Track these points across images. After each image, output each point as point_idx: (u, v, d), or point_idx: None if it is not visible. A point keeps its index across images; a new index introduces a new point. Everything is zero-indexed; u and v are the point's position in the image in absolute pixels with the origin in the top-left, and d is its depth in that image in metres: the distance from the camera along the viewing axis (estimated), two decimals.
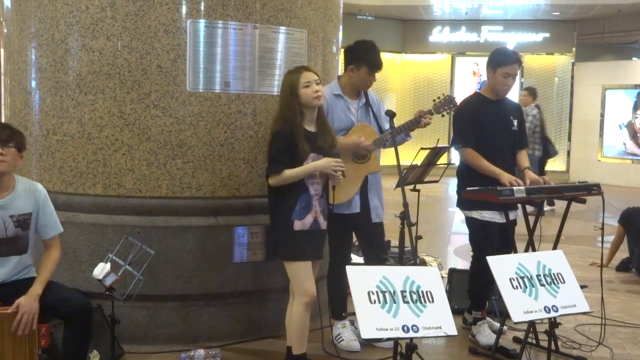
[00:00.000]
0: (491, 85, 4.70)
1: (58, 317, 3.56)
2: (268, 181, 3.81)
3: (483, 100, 4.68)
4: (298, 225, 3.77)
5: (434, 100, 4.57)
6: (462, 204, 4.69)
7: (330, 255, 4.52)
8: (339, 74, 5.41)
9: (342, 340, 4.51)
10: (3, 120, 4.99)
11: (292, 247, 3.79)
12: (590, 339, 4.79)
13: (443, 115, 4.62)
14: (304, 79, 3.78)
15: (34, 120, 4.60)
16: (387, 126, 4.44)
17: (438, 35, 18.39)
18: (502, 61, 4.61)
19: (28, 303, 3.34)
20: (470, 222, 4.70)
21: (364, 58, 4.41)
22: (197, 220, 4.46)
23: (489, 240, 4.58)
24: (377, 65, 4.42)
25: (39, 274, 3.54)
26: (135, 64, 4.33)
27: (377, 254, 4.61)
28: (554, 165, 17.52)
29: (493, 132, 4.60)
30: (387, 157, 4.74)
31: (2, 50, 4.96)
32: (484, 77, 17.99)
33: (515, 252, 4.63)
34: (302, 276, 3.79)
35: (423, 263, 6.51)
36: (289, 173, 3.73)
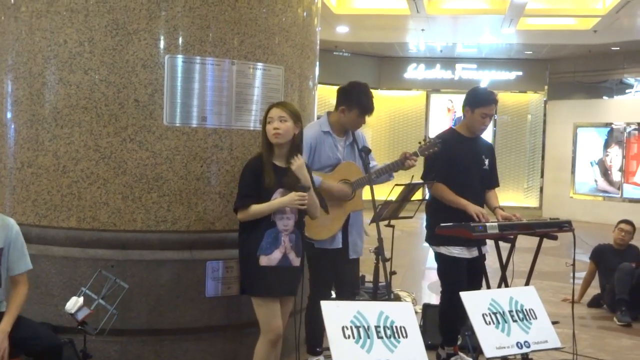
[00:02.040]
0: (467, 124, 4.78)
1: (27, 354, 3.51)
2: (237, 215, 3.83)
3: (457, 136, 4.77)
4: (264, 260, 3.76)
5: (420, 143, 4.62)
6: (431, 239, 4.74)
7: (310, 289, 4.53)
8: (315, 109, 5.49)
9: None
10: None
11: (257, 282, 3.79)
12: None
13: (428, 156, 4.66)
14: (269, 115, 3.84)
15: (8, 153, 4.58)
16: (371, 164, 4.50)
17: (413, 72, 18.66)
18: (480, 102, 4.70)
19: None
20: (439, 257, 4.75)
21: (356, 101, 4.48)
22: (171, 254, 4.44)
23: (457, 275, 4.63)
24: (368, 109, 4.49)
25: (7, 311, 3.49)
26: (112, 97, 4.35)
27: (349, 289, 4.63)
28: (526, 201, 17.74)
29: (466, 169, 4.67)
30: (362, 192, 4.79)
31: None
32: (459, 114, 18.28)
33: (488, 285, 4.69)
34: (267, 313, 3.78)
35: (397, 298, 6.53)
36: (256, 208, 3.76)
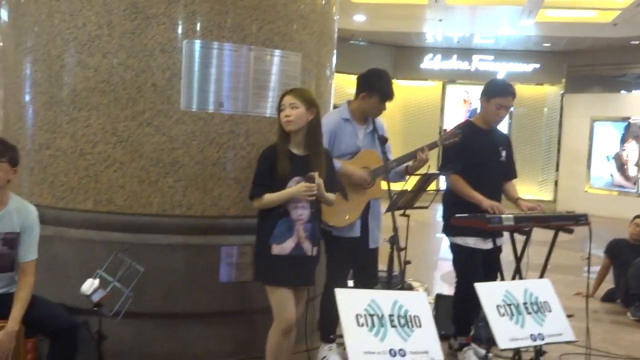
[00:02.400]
0: (483, 115, 4.76)
1: (43, 333, 3.54)
2: (253, 204, 3.84)
3: (474, 128, 4.74)
4: (276, 249, 3.74)
5: (440, 133, 4.61)
6: (447, 230, 4.73)
7: (326, 277, 4.54)
8: (332, 98, 5.48)
9: None
10: None
11: (269, 270, 3.78)
12: None
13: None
14: (282, 102, 3.82)
15: (26, 135, 4.61)
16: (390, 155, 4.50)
17: (429, 62, 18.57)
18: (496, 92, 4.67)
19: (5, 341, 3.31)
20: (454, 248, 4.74)
21: (376, 87, 4.47)
22: (186, 239, 4.46)
23: (473, 266, 4.61)
24: (388, 95, 4.48)
25: (15, 307, 3.45)
26: (130, 81, 4.36)
27: (368, 279, 4.62)
28: (541, 194, 17.65)
29: (482, 161, 4.65)
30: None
31: None
32: (474, 106, 18.20)
33: (502, 277, 4.67)
34: (280, 301, 3.77)
35: (410, 288, 6.52)
36: (269, 198, 3.75)
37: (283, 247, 3.74)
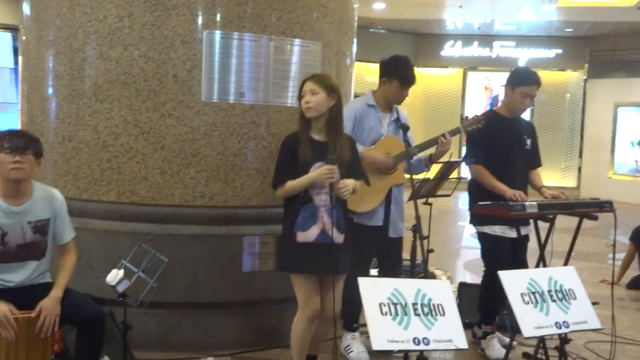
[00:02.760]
0: (507, 104, 4.71)
1: (71, 323, 3.57)
2: (276, 192, 3.83)
3: (498, 117, 4.69)
4: (301, 236, 3.71)
5: (462, 120, 4.58)
6: (474, 219, 4.70)
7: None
8: (352, 86, 5.46)
9: (352, 351, 4.52)
10: (20, 126, 5.02)
11: (293, 259, 3.75)
12: (600, 356, 4.78)
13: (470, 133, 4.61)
14: (302, 89, 3.79)
15: (50, 127, 4.65)
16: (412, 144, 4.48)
17: (450, 49, 18.46)
18: (522, 81, 4.62)
19: (50, 306, 3.38)
20: (482, 237, 4.71)
21: (395, 72, 4.47)
22: (208, 229, 4.48)
23: (501, 255, 4.59)
24: (408, 80, 4.47)
25: (57, 278, 3.56)
26: (152, 73, 4.37)
27: (391, 269, 4.61)
28: (564, 181, 17.51)
29: (507, 150, 4.61)
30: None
31: (21, 57, 5.01)
32: (495, 93, 18.07)
33: (527, 267, 4.64)
34: (304, 290, 3.76)
35: (433, 276, 6.51)
36: (291, 184, 3.72)
37: (307, 235, 3.70)
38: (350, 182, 3.74)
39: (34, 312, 3.35)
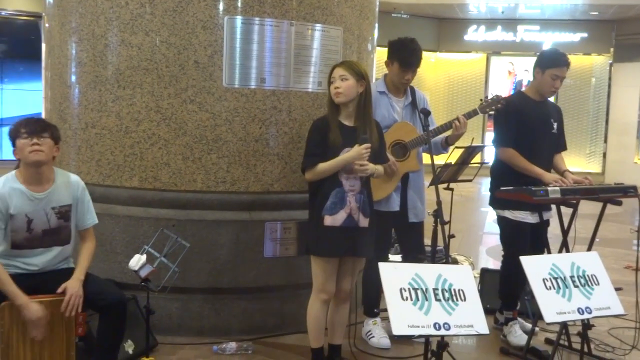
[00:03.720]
0: (537, 86, 4.66)
1: (94, 308, 3.61)
2: (305, 175, 3.82)
3: (527, 100, 4.63)
4: (328, 220, 3.73)
5: (481, 100, 4.53)
6: (495, 203, 4.66)
7: None
8: (374, 72, 5.44)
9: (373, 337, 4.53)
10: (43, 113, 5.08)
11: (319, 242, 3.78)
12: (624, 342, 4.74)
13: (489, 114, 4.56)
14: (332, 75, 3.80)
15: (73, 114, 4.69)
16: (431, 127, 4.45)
17: (473, 34, 18.30)
18: (553, 63, 4.57)
19: (75, 286, 3.44)
20: (502, 221, 4.68)
21: (396, 54, 4.44)
22: (230, 215, 4.50)
23: (521, 240, 4.55)
24: (407, 63, 4.41)
25: (79, 263, 3.61)
26: (173, 59, 4.39)
27: (414, 254, 4.61)
28: (589, 166, 17.34)
29: (535, 133, 4.56)
30: (420, 154, 4.74)
31: (44, 44, 5.05)
32: (519, 77, 17.90)
33: (549, 252, 4.61)
34: (324, 273, 3.80)
35: (455, 262, 6.50)
36: (322, 167, 3.72)
37: (335, 219, 3.73)
38: (371, 165, 3.75)
39: (60, 289, 3.41)
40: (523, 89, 5.18)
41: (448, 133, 4.45)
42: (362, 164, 3.70)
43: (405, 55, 4.42)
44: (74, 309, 3.41)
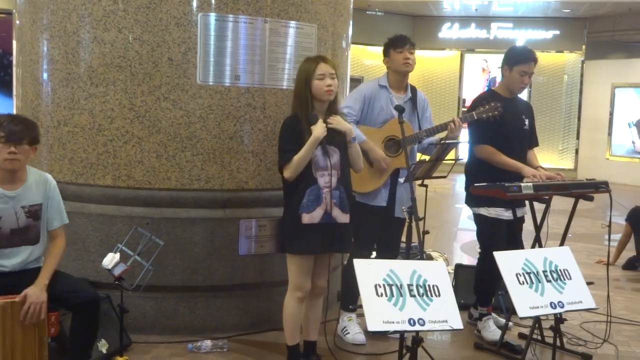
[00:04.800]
0: (506, 84, 4.70)
1: (66, 307, 3.58)
2: (283, 175, 3.77)
3: (497, 97, 4.65)
4: (306, 218, 3.71)
5: (478, 107, 4.52)
6: (470, 201, 4.70)
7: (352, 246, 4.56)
8: (349, 69, 5.45)
9: (348, 333, 4.55)
10: (15, 111, 5.01)
11: (297, 240, 3.77)
12: (596, 336, 4.80)
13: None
14: (319, 71, 3.74)
15: (45, 111, 4.63)
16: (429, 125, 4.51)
17: (447, 31, 18.39)
18: (519, 59, 4.62)
19: (35, 293, 3.36)
20: (477, 218, 4.72)
21: (388, 45, 4.58)
22: (205, 213, 4.48)
23: (496, 236, 4.59)
24: (396, 41, 4.53)
25: (45, 265, 3.55)
26: (147, 56, 4.36)
27: (391, 251, 4.62)
28: (561, 163, 17.52)
29: (508, 130, 4.60)
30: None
31: (15, 41, 4.99)
32: (493, 74, 18.02)
33: (522, 248, 4.65)
34: (300, 271, 3.81)
35: (429, 258, 6.53)
36: (297, 156, 3.67)
37: (312, 216, 3.71)
38: (338, 118, 3.78)
39: (19, 297, 3.33)
40: (497, 85, 5.21)
41: (443, 134, 4.49)
42: (330, 121, 3.74)
43: (395, 39, 4.56)
44: (34, 317, 3.34)
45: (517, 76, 4.61)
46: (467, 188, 4.68)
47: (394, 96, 4.54)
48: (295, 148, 3.69)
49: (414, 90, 4.68)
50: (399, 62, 4.53)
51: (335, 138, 3.78)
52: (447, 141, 4.44)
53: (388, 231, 4.63)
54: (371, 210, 4.46)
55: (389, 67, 4.61)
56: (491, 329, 4.66)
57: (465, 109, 4.56)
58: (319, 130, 3.68)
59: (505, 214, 4.59)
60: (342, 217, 3.77)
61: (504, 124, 4.59)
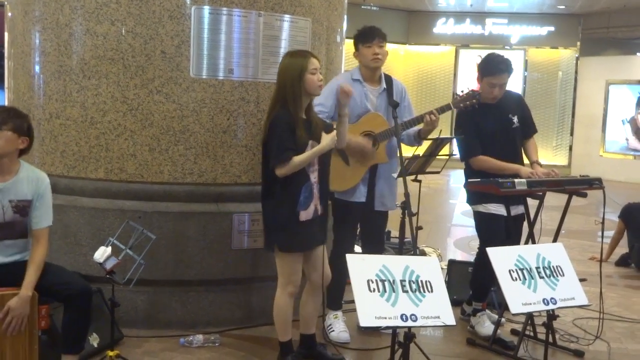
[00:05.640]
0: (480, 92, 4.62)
1: (58, 299, 3.56)
2: (275, 172, 3.67)
3: (481, 105, 4.58)
4: (303, 215, 3.72)
5: (456, 94, 4.48)
6: (469, 198, 4.71)
7: (333, 243, 4.53)
8: (343, 64, 5.43)
9: (333, 331, 4.50)
10: (6, 103, 4.97)
11: (295, 238, 3.76)
12: (588, 332, 4.81)
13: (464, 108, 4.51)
14: (312, 65, 3.71)
15: (37, 104, 4.60)
16: (406, 118, 4.45)
17: (442, 26, 18.37)
18: (489, 71, 4.54)
19: (19, 306, 3.31)
20: (476, 215, 4.71)
21: (356, 38, 4.49)
22: (198, 207, 4.47)
23: (495, 233, 4.58)
24: (365, 33, 4.43)
25: (27, 275, 3.42)
26: (139, 49, 4.33)
27: (375, 245, 4.61)
28: (555, 159, 17.54)
29: (492, 136, 4.57)
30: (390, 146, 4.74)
31: (6, 33, 4.95)
32: None
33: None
34: (293, 267, 3.81)
35: (423, 254, 6.53)
36: (299, 159, 3.64)
37: (308, 213, 3.74)
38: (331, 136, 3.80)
39: (2, 313, 3.28)
40: None
41: (420, 126, 4.46)
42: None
43: (363, 32, 4.45)
44: (15, 330, 3.30)
45: (487, 87, 4.55)
46: (465, 186, 4.68)
47: (368, 89, 4.48)
48: (291, 147, 3.64)
49: (389, 80, 4.57)
50: (368, 57, 4.43)
51: (316, 132, 3.77)
52: (440, 137, 4.43)
53: (370, 226, 4.62)
54: (350, 207, 4.44)
55: (360, 62, 4.52)
56: (485, 325, 4.65)
57: None
58: (329, 141, 3.71)
59: (503, 210, 4.58)
60: (322, 209, 3.85)
61: (490, 130, 4.56)
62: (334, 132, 3.78)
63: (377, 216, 4.55)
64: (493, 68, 4.54)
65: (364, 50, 4.45)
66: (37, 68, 4.60)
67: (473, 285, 4.86)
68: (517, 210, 4.63)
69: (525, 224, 4.64)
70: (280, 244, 3.80)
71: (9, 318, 3.29)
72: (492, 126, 4.58)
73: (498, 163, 4.53)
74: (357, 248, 5.10)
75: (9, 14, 4.89)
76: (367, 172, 4.45)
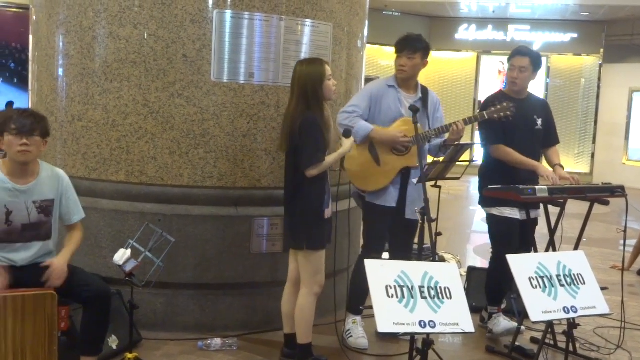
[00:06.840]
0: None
1: (78, 301, 3.58)
2: (306, 172, 3.74)
3: (506, 98, 4.62)
4: (327, 213, 3.88)
5: (491, 108, 4.43)
6: (483, 201, 4.68)
7: (362, 248, 4.53)
8: (364, 69, 5.42)
9: (351, 336, 4.48)
10: (30, 105, 5.02)
11: (321, 235, 3.86)
12: (609, 341, 4.75)
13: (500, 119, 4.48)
14: (328, 72, 3.86)
15: (60, 107, 4.64)
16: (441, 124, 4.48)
17: (464, 32, 18.29)
18: (510, 55, 4.69)
19: (60, 264, 3.46)
20: (490, 219, 4.69)
21: (395, 47, 4.53)
22: (217, 210, 4.48)
23: (508, 237, 4.56)
24: (398, 44, 4.48)
25: (65, 246, 3.62)
26: (161, 52, 4.35)
27: (402, 254, 4.57)
28: (577, 167, 17.39)
29: (513, 130, 4.56)
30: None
31: (31, 36, 5.00)
32: None
33: (536, 250, 4.61)
34: (319, 265, 3.87)
35: (442, 260, 6.49)
36: (329, 160, 3.82)
37: (330, 210, 3.91)
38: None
39: (46, 263, 3.43)
40: None
41: (446, 136, 4.46)
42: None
43: (398, 41, 4.50)
44: (57, 281, 3.41)
45: (509, 71, 4.62)
46: (480, 190, 4.65)
47: (403, 96, 4.49)
48: (323, 148, 3.81)
49: (424, 90, 4.60)
50: (396, 67, 4.53)
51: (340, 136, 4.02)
52: (460, 143, 4.40)
53: (399, 233, 4.59)
54: (380, 211, 4.42)
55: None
56: (501, 324, 4.62)
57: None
58: (349, 146, 3.91)
59: (517, 214, 4.55)
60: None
61: (513, 123, 4.54)
62: (352, 137, 3.95)
63: (408, 224, 4.52)
64: (513, 51, 4.70)
65: (396, 60, 4.53)
66: (60, 71, 4.64)
67: (488, 289, 4.83)
68: (532, 214, 4.60)
69: (546, 231, 4.59)
70: (311, 242, 3.84)
71: (50, 270, 3.41)
72: (516, 122, 4.56)
73: (517, 155, 4.52)
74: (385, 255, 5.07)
75: (34, 17, 4.94)
76: (398, 174, 4.43)
